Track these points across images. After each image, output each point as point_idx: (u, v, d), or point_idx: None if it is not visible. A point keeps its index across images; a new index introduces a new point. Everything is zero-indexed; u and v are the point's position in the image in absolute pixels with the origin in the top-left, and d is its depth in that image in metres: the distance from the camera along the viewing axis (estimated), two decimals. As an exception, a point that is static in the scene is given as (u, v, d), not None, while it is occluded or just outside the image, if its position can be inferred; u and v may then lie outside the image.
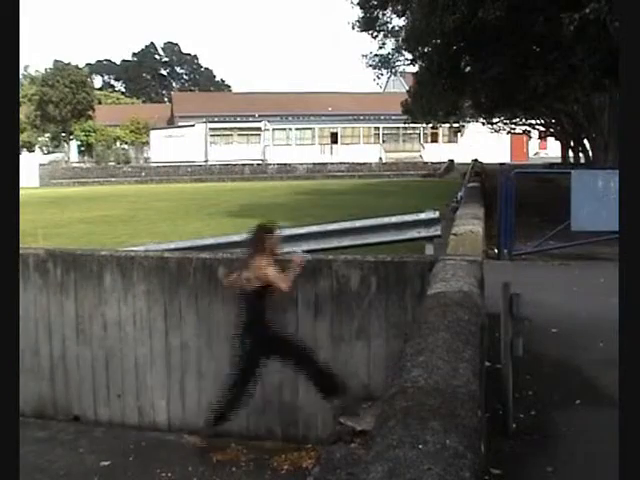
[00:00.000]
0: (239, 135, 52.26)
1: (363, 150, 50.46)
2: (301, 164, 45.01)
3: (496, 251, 10.48)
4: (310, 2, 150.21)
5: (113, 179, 42.14)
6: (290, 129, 52.22)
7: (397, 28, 27.10)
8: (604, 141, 17.19)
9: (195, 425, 6.06)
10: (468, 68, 15.96)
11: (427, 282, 4.75)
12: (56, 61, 49.79)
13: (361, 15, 26.44)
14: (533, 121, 35.23)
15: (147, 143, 52.07)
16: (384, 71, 32.96)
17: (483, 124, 38.74)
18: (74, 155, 51.09)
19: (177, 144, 50.15)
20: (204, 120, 50.54)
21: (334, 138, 52.45)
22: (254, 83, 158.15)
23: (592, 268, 9.24)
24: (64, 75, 47.58)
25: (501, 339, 4.09)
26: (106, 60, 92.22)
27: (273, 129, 51.69)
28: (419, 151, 52.21)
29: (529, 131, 40.10)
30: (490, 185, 17.92)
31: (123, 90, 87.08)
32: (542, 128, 37.20)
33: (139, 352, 6.26)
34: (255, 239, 5.54)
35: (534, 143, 51.88)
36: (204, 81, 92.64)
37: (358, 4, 25.71)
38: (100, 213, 22.02)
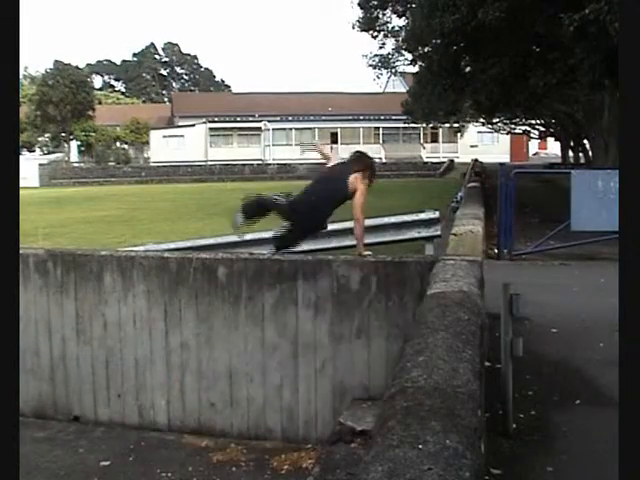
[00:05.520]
0: (239, 135, 52.28)
1: (363, 150, 50.37)
2: (301, 164, 45.02)
3: (496, 251, 10.48)
4: (310, 2, 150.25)
5: (113, 179, 42.16)
6: (290, 129, 52.21)
7: (397, 28, 27.15)
8: (604, 141, 17.18)
9: (195, 425, 6.07)
10: (468, 68, 15.97)
11: (427, 282, 4.75)
12: (56, 61, 49.80)
13: (361, 15, 26.50)
14: (533, 121, 35.22)
15: (147, 143, 52.08)
16: (384, 71, 33.01)
17: (483, 124, 38.73)
18: (74, 155, 51.10)
19: (177, 144, 50.18)
20: (204, 120, 50.56)
21: (334, 138, 52.43)
22: (254, 83, 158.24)
23: (592, 268, 9.24)
24: (64, 75, 47.58)
25: (501, 339, 4.09)
26: (106, 60, 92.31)
27: (273, 129, 51.70)
28: (419, 151, 52.23)
29: (529, 131, 40.07)
30: (490, 185, 17.93)
31: (123, 90, 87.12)
32: (542, 128, 37.17)
33: (139, 352, 6.25)
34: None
35: (534, 143, 51.87)
36: (204, 81, 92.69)
37: (358, 4, 25.76)
38: (100, 213, 22.03)
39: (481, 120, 36.40)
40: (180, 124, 53.14)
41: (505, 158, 43.08)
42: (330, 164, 6.37)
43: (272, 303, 5.86)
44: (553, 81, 12.34)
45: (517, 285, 4.27)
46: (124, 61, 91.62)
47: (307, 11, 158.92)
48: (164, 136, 51.48)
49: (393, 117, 46.62)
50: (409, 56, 26.23)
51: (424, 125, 44.26)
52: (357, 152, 6.45)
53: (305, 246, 9.80)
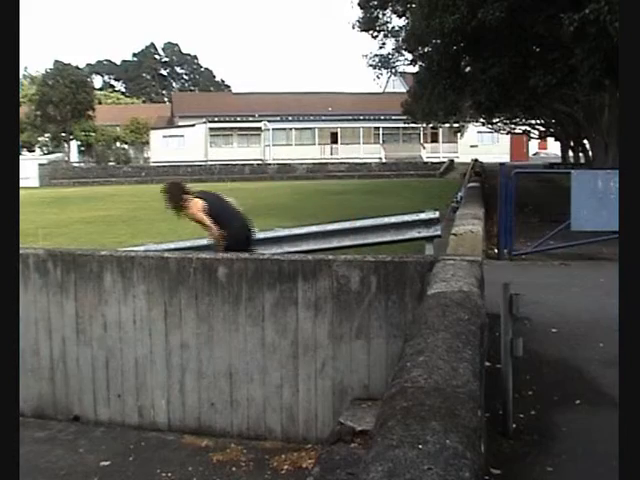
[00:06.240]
0: (239, 135, 52.29)
1: (363, 150, 50.51)
2: (301, 164, 45.00)
3: (496, 251, 10.48)
4: (310, 2, 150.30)
5: (113, 179, 42.15)
6: (290, 129, 52.21)
7: (397, 28, 27.19)
8: (604, 141, 17.19)
9: (195, 425, 6.07)
10: (468, 68, 15.99)
11: (427, 282, 4.75)
12: (56, 61, 49.79)
13: (361, 15, 26.54)
14: (533, 121, 35.23)
15: (147, 143, 52.09)
16: (384, 71, 33.04)
17: (483, 124, 38.73)
18: (74, 155, 51.09)
19: (177, 144, 50.20)
20: (204, 120, 50.58)
21: (334, 138, 52.43)
22: (254, 83, 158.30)
23: (592, 268, 9.24)
24: (64, 75, 47.56)
25: (501, 339, 4.09)
26: (106, 60, 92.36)
27: (273, 129, 51.69)
28: (419, 151, 52.24)
29: (529, 131, 40.07)
30: (490, 185, 17.93)
31: (123, 90, 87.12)
32: (542, 128, 37.19)
33: (139, 352, 6.25)
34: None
35: (534, 143, 51.89)
36: (204, 81, 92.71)
37: (358, 4, 25.81)
38: (100, 213, 22.03)
39: (481, 120, 36.41)
40: (180, 124, 53.15)
41: (505, 158, 43.09)
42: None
43: (272, 303, 5.86)
44: (553, 81, 12.34)
45: (517, 285, 4.27)
46: (124, 61, 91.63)
47: (307, 11, 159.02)
48: (164, 136, 51.49)
49: (393, 117, 46.61)
50: (409, 56, 26.29)
51: (424, 125, 44.26)
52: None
53: (305, 246, 9.85)
